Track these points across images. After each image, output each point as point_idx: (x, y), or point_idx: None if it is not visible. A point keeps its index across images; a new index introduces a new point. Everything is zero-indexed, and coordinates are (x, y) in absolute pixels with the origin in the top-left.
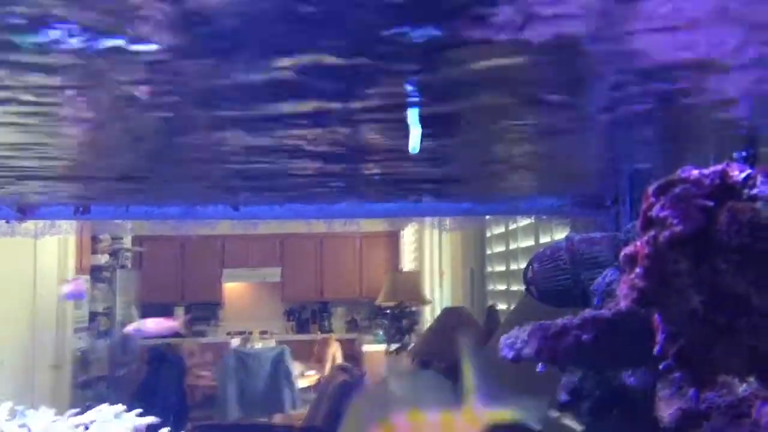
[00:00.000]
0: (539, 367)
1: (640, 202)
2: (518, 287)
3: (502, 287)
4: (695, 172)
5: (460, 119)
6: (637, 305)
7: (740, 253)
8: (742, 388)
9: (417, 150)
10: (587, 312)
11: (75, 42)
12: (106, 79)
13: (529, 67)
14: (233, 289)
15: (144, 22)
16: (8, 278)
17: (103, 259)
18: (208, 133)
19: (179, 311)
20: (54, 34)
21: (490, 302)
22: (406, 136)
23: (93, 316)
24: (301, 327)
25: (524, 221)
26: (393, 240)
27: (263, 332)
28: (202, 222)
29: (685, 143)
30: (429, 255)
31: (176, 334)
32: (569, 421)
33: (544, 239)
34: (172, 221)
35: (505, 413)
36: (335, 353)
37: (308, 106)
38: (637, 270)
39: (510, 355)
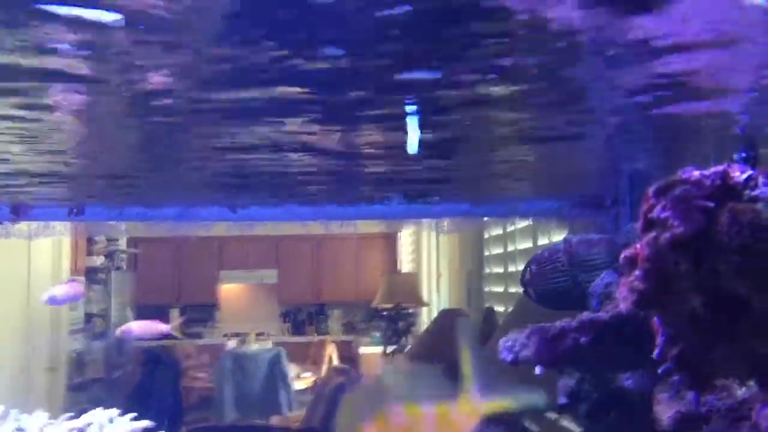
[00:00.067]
0: (537, 369)
1: (639, 204)
2: (516, 289)
3: (499, 289)
4: (696, 173)
5: (459, 123)
6: (636, 308)
7: (741, 255)
8: (741, 391)
9: (415, 151)
10: (585, 314)
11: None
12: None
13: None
14: (230, 290)
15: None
16: (2, 280)
17: (98, 260)
18: (206, 133)
19: (175, 313)
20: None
21: (487, 304)
22: (405, 137)
23: (88, 317)
24: (298, 329)
25: (522, 223)
26: (390, 242)
27: (260, 334)
28: (199, 223)
29: (685, 144)
30: (426, 257)
31: (167, 337)
32: (568, 423)
33: (543, 241)
34: (168, 222)
35: (502, 403)
36: (332, 355)
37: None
38: (637, 272)
39: (509, 357)
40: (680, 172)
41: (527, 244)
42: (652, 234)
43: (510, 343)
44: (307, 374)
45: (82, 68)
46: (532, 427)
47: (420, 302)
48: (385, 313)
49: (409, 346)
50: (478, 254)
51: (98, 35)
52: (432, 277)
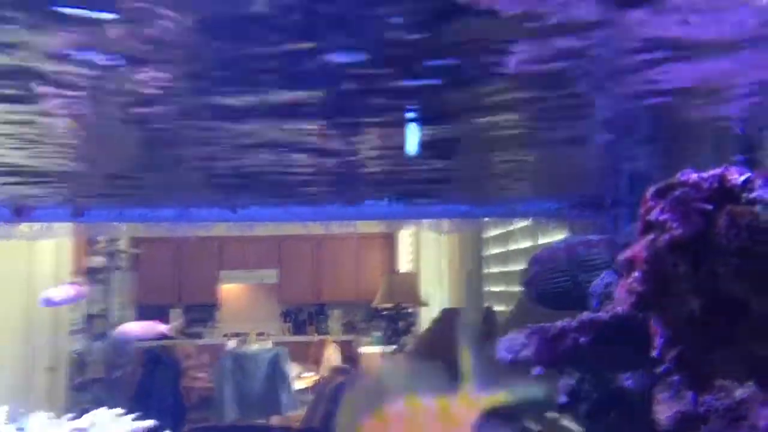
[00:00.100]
0: (537, 369)
1: (639, 205)
2: (515, 288)
3: (499, 289)
4: (694, 176)
5: (459, 124)
6: (635, 309)
7: (739, 257)
8: (740, 392)
9: (415, 152)
10: (585, 314)
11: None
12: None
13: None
14: (230, 290)
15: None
16: (4, 280)
17: (99, 261)
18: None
19: (175, 313)
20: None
21: (487, 304)
22: (405, 138)
23: (89, 318)
24: (298, 329)
25: (522, 223)
26: (390, 242)
27: (260, 334)
28: (199, 224)
29: (685, 145)
30: (426, 256)
31: (165, 337)
32: (567, 423)
33: (543, 241)
34: (169, 223)
35: (503, 397)
36: (332, 355)
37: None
38: (636, 274)
39: (508, 357)
40: (679, 174)
41: (527, 244)
42: (651, 236)
43: (510, 343)
44: (308, 374)
45: (81, 69)
46: (532, 426)
47: (419, 302)
48: (385, 312)
49: (409, 346)
50: (478, 254)
51: (95, 34)
52: (432, 277)
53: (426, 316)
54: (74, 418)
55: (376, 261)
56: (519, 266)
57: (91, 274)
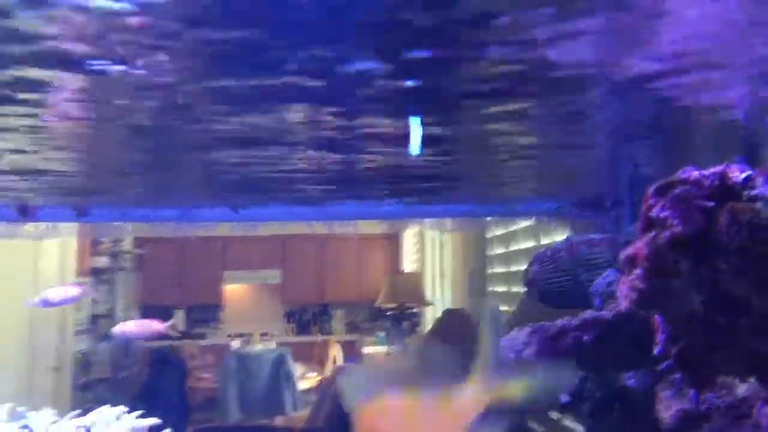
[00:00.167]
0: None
1: (640, 204)
2: (519, 289)
3: (502, 288)
4: (695, 173)
5: (460, 125)
6: (637, 306)
7: (740, 254)
8: (742, 389)
9: (418, 152)
10: (587, 313)
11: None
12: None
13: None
14: (234, 291)
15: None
16: (9, 280)
17: (103, 261)
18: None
19: (179, 313)
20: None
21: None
22: (408, 137)
23: (94, 318)
24: (302, 329)
25: (525, 223)
26: (393, 242)
27: (264, 334)
28: (203, 224)
29: (686, 145)
30: (430, 257)
31: (162, 336)
32: (570, 422)
33: (545, 241)
34: (173, 224)
35: (517, 387)
36: (336, 355)
37: (308, 108)
38: (637, 271)
39: (510, 357)
40: (680, 172)
41: (529, 244)
42: (652, 233)
43: (511, 342)
44: (312, 374)
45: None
46: (535, 426)
47: (423, 302)
48: (388, 313)
49: (413, 346)
50: (481, 254)
51: (100, 24)
52: (435, 277)
53: (430, 316)
54: (78, 417)
55: (380, 261)
56: (522, 266)
57: (96, 274)
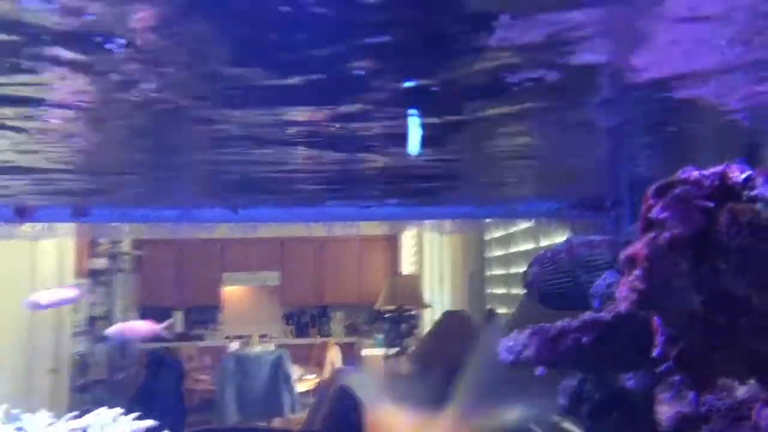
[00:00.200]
0: (539, 370)
1: (640, 205)
2: (518, 290)
3: (501, 291)
4: (695, 174)
5: (460, 124)
6: (636, 307)
7: (740, 255)
8: (742, 391)
9: (417, 152)
10: (587, 315)
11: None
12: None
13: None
14: (232, 292)
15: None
16: (6, 281)
17: (101, 262)
18: (208, 134)
19: (178, 315)
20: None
21: (489, 306)
22: (407, 138)
23: (92, 319)
24: (301, 331)
25: (524, 224)
26: (392, 243)
27: (262, 336)
28: (202, 225)
29: (686, 146)
30: (429, 258)
31: (158, 338)
32: (569, 425)
33: (544, 242)
34: (172, 224)
35: (489, 425)
36: (334, 357)
37: (308, 109)
38: (637, 272)
39: (509, 358)
40: (680, 172)
41: (529, 246)
42: (652, 234)
43: (511, 344)
44: (310, 376)
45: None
46: (533, 427)
47: (422, 304)
48: (387, 315)
49: (412, 348)
50: (480, 256)
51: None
52: (434, 279)
53: (429, 318)
54: (75, 419)
55: (379, 263)
56: (521, 268)
57: (94, 275)
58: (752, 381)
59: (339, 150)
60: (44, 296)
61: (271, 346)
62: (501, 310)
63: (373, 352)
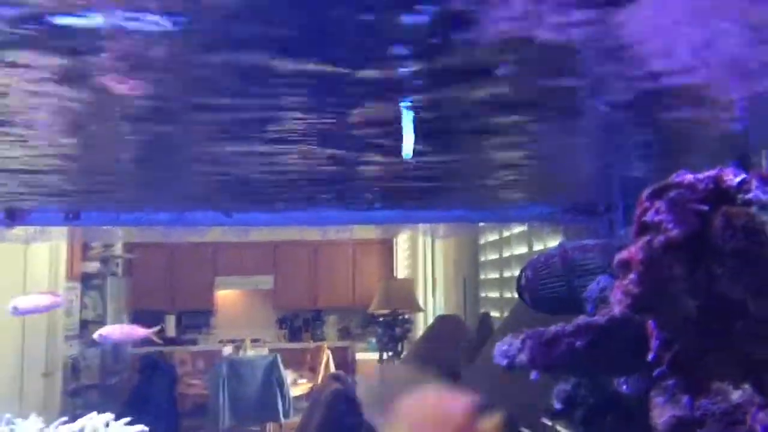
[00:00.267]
0: (533, 374)
1: (633, 209)
2: (511, 295)
3: (495, 295)
4: (689, 177)
5: (453, 129)
6: (631, 311)
7: (735, 258)
8: (736, 395)
9: (410, 156)
10: (581, 319)
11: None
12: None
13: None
14: (225, 296)
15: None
16: None
17: (94, 266)
18: (202, 136)
19: (170, 319)
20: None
21: (483, 310)
22: (400, 142)
23: (84, 323)
24: (294, 335)
25: (518, 228)
26: (386, 247)
27: (255, 340)
28: (194, 229)
29: (679, 150)
30: (422, 263)
31: (147, 342)
32: (563, 429)
33: (538, 247)
34: (164, 228)
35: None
36: (328, 361)
37: (302, 110)
38: (631, 276)
39: (504, 362)
40: (674, 175)
41: (522, 250)
42: (647, 237)
43: (505, 348)
44: (304, 380)
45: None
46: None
47: (416, 308)
48: (381, 319)
49: (406, 352)
50: (474, 260)
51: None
52: (428, 283)
53: (423, 322)
54: (66, 423)
55: (373, 267)
56: (514, 272)
57: (86, 279)
58: (747, 385)
59: (333, 154)
60: (22, 301)
61: (265, 350)
62: (495, 314)
63: (366, 355)
